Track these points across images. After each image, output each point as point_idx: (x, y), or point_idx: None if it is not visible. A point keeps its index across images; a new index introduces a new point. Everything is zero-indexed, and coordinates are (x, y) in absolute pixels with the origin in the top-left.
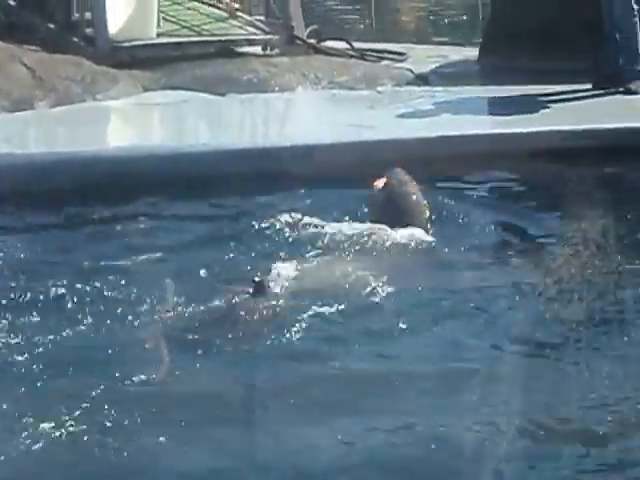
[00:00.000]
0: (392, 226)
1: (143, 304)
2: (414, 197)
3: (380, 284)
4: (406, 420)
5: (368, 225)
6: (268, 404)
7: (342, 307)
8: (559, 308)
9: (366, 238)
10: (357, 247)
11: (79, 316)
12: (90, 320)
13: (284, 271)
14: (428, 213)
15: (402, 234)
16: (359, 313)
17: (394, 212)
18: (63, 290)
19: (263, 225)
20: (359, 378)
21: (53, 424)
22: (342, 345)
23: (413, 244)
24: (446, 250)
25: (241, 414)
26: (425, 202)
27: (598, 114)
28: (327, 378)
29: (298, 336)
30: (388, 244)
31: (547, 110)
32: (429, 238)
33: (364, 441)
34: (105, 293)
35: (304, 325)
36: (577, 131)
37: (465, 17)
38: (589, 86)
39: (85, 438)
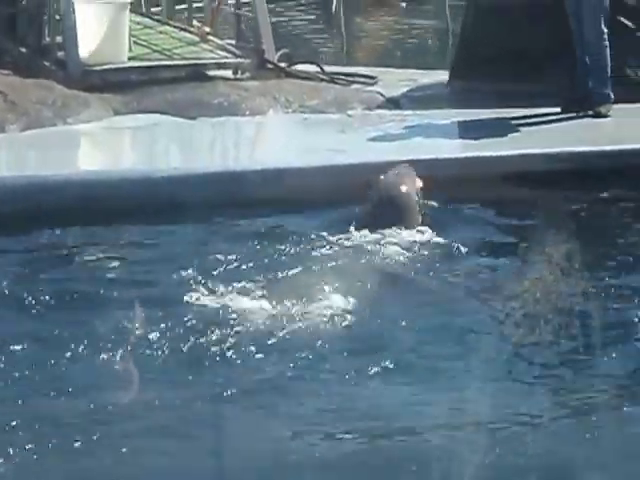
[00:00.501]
0: (383, 224)
1: (115, 328)
2: (404, 195)
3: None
4: None
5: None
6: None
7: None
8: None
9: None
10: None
11: (50, 340)
12: (61, 345)
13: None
14: (420, 212)
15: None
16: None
17: (384, 212)
18: (33, 313)
19: (239, 245)
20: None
21: (26, 445)
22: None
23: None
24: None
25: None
26: (417, 200)
27: (567, 137)
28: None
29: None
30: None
31: (517, 134)
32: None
33: None
34: (76, 316)
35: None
36: (547, 154)
37: (435, 41)
38: (559, 109)
39: (55, 459)
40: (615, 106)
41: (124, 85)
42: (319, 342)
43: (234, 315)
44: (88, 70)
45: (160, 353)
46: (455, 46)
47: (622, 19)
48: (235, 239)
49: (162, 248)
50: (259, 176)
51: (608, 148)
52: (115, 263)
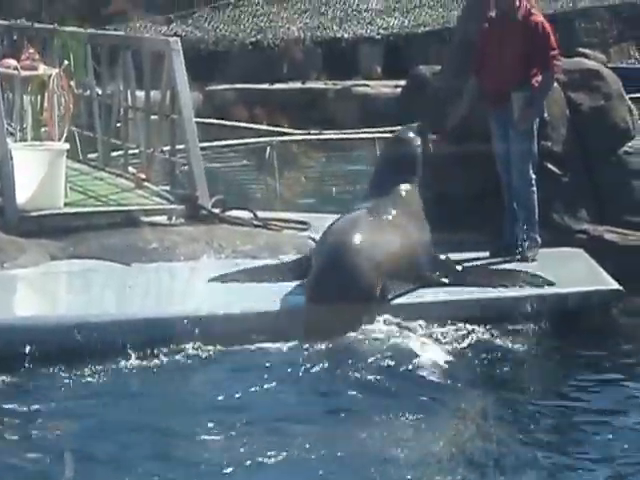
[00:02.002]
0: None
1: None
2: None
3: None
4: None
5: None
6: None
7: None
8: None
9: None
10: None
11: None
12: None
13: None
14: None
15: None
16: None
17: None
18: None
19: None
20: None
21: None
22: None
23: None
24: None
25: None
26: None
27: None
28: None
29: None
30: None
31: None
32: None
33: None
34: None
35: None
36: (473, 300)
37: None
38: (487, 254)
39: None
40: (541, 250)
41: (60, 231)
42: None
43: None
44: (25, 216)
45: None
46: None
47: (549, 165)
48: (172, 381)
49: (96, 391)
50: (190, 322)
51: (531, 293)
52: (49, 405)
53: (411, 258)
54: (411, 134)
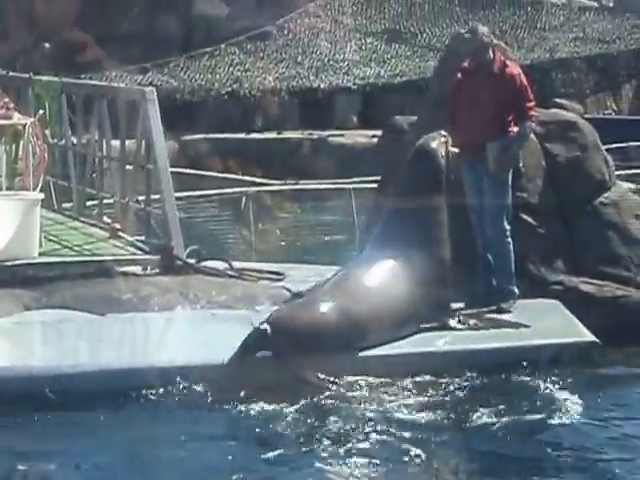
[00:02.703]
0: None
1: None
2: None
3: None
4: None
5: None
6: None
7: None
8: None
9: None
10: None
11: None
12: None
13: None
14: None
15: None
16: None
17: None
18: None
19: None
20: None
21: None
22: None
23: None
24: None
25: None
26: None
27: (470, 335)
28: None
29: None
30: None
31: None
32: None
33: None
34: None
35: None
36: (451, 351)
37: (343, 236)
38: (462, 305)
39: None
40: (517, 301)
41: (34, 280)
42: None
43: None
44: None
45: None
46: (360, 242)
47: (525, 216)
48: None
49: (68, 442)
50: (161, 372)
51: (505, 345)
52: (25, 456)
53: (397, 308)
54: (434, 144)
